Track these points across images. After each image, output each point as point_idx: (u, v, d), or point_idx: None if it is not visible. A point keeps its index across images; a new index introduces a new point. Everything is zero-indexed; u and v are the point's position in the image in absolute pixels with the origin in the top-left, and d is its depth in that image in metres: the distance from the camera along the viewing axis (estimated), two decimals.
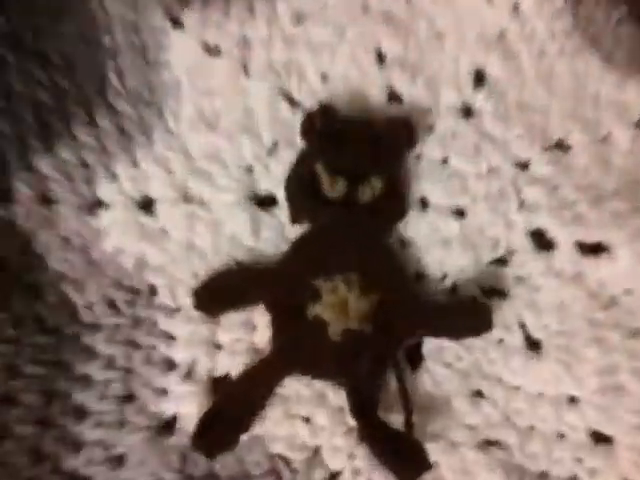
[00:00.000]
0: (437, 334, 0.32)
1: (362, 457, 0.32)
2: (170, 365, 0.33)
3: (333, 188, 0.32)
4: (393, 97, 0.36)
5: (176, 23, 0.36)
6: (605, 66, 0.37)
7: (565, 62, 0.37)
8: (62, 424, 0.32)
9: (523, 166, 0.36)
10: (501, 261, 0.34)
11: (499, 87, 0.36)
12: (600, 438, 0.32)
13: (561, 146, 0.37)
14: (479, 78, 0.37)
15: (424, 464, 0.30)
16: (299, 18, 0.37)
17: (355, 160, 0.32)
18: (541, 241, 0.34)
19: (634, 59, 0.39)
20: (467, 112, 0.37)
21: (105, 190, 0.34)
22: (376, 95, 0.36)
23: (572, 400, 0.33)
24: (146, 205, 0.34)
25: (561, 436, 0.32)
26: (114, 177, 0.34)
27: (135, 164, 0.34)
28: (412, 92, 0.36)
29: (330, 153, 0.32)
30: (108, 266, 0.33)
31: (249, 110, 0.35)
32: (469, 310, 0.31)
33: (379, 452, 0.30)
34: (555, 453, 0.32)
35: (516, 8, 0.38)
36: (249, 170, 0.35)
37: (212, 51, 0.36)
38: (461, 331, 0.32)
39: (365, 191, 0.32)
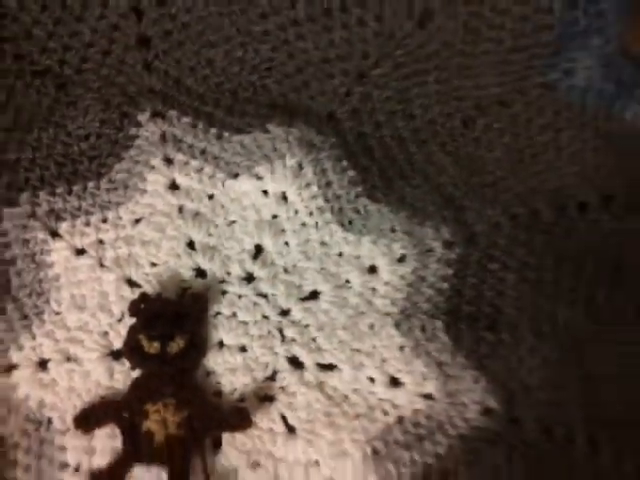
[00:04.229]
0: (222, 431, 0.52)
1: None
2: (64, 465, 0.52)
3: (150, 349, 0.51)
4: (199, 274, 0.55)
5: (54, 234, 0.55)
6: (344, 230, 0.56)
7: (319, 233, 0.56)
8: None
9: (285, 313, 0.55)
10: (270, 378, 0.53)
11: (270, 258, 0.56)
12: None
13: (314, 296, 0.56)
14: (257, 252, 0.56)
15: None
16: (136, 221, 0.56)
17: (164, 330, 0.51)
18: (295, 363, 0.53)
19: (373, 225, 0.57)
20: (249, 279, 0.56)
21: (16, 357, 0.53)
22: (187, 274, 0.55)
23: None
24: (42, 365, 0.53)
25: None
26: (21, 348, 0.53)
27: (34, 338, 0.53)
28: (212, 268, 0.55)
29: (147, 328, 0.51)
30: (21, 407, 0.52)
31: (104, 293, 0.54)
32: (237, 414, 0.51)
33: None
34: None
35: (284, 197, 0.56)
36: (106, 334, 0.54)
37: (79, 252, 0.55)
38: (235, 428, 0.51)
39: (173, 347, 0.51)
